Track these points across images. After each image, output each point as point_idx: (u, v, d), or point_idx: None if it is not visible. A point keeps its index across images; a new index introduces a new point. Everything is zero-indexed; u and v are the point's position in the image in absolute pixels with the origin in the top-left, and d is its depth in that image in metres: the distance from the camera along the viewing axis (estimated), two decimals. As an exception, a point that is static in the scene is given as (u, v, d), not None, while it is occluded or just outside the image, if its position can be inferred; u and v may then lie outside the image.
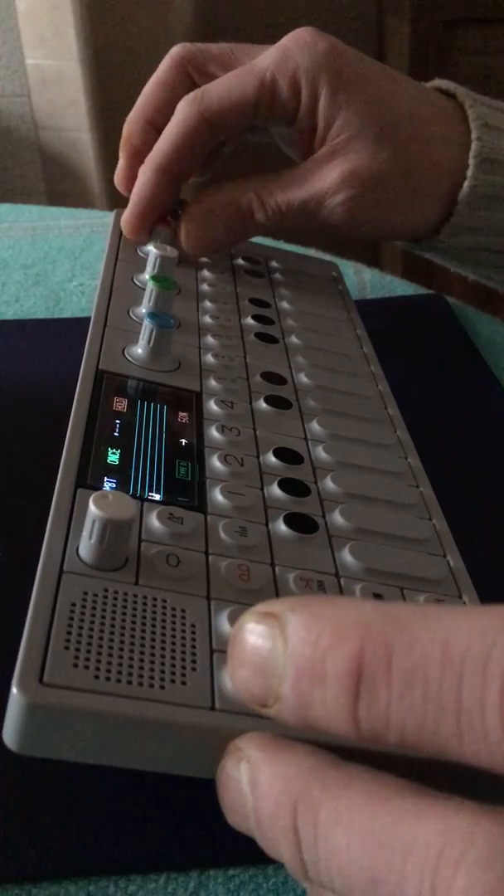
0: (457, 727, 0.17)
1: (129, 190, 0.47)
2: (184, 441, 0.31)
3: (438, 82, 0.47)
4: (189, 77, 0.47)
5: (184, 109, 0.44)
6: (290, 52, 0.44)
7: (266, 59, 0.44)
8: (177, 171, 0.45)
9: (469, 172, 0.43)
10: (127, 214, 0.45)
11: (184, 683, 0.22)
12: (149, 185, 0.45)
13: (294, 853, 0.18)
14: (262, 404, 0.35)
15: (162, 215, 0.45)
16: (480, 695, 0.16)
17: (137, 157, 0.46)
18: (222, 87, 0.44)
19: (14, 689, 0.21)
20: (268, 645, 0.19)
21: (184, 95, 0.45)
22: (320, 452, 0.33)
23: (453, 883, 0.16)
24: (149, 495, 0.28)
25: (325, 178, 0.43)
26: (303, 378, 0.38)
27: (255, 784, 0.19)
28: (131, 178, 0.47)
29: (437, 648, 0.17)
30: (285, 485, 0.30)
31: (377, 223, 0.45)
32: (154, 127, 0.46)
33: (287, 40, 0.45)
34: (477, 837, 0.16)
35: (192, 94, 0.44)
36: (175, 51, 0.47)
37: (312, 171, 0.44)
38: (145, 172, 0.45)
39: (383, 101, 0.44)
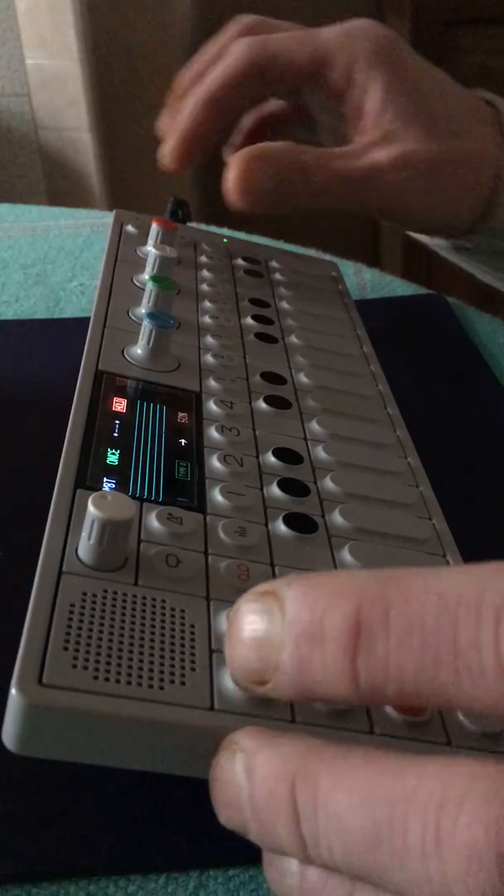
0: (454, 669, 0.17)
1: (182, 165, 0.46)
2: (183, 441, 0.31)
3: (481, 92, 0.49)
4: (260, 73, 0.46)
5: (239, 49, 0.45)
6: (354, 34, 0.45)
7: (329, 34, 0.45)
8: (224, 106, 0.45)
9: None
10: (170, 143, 0.45)
11: (183, 684, 0.22)
12: (195, 113, 0.44)
13: (292, 830, 0.18)
14: (262, 404, 0.35)
15: (205, 150, 0.45)
16: (476, 635, 0.17)
17: (198, 133, 0.46)
18: (281, 42, 0.45)
19: (13, 690, 0.21)
20: (265, 619, 0.19)
21: (254, 89, 0.46)
22: (320, 452, 0.33)
23: (457, 822, 0.16)
24: (148, 496, 0.28)
25: (380, 158, 0.43)
26: (302, 378, 0.38)
27: (251, 769, 0.19)
28: (189, 148, 0.46)
29: (433, 598, 0.17)
30: (285, 485, 0.30)
31: (422, 209, 0.45)
32: (219, 109, 0.46)
33: (352, 24, 0.46)
34: (478, 778, 0.16)
35: (249, 38, 0.45)
36: (242, 18, 0.47)
37: (366, 151, 0.44)
38: (191, 102, 0.45)
39: (434, 96, 0.45)
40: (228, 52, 0.45)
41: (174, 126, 0.45)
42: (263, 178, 0.42)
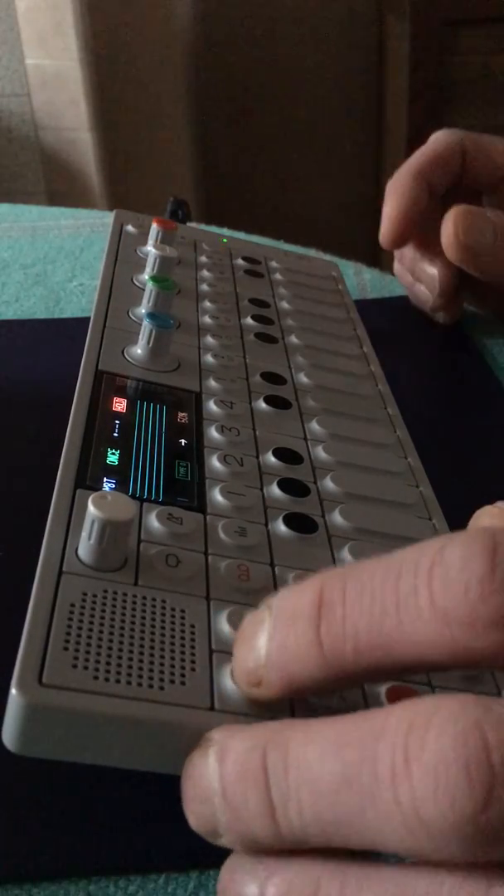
0: (396, 616, 0.19)
1: (401, 237, 0.46)
2: (183, 441, 0.31)
3: None
4: (464, 151, 0.47)
5: (449, 133, 0.47)
6: None
7: None
8: (433, 180, 0.45)
9: None
10: (387, 224, 0.45)
11: (183, 684, 0.22)
12: (406, 190, 0.45)
13: (262, 798, 0.19)
14: (262, 404, 0.35)
15: (419, 224, 0.45)
16: (413, 583, 0.19)
17: (411, 205, 0.46)
18: (492, 140, 0.47)
19: (13, 690, 0.21)
20: (258, 625, 0.21)
21: (459, 166, 0.47)
22: (320, 452, 0.33)
23: (425, 739, 0.17)
24: (148, 496, 0.28)
25: None
26: (302, 378, 0.38)
27: (222, 753, 0.20)
28: (408, 221, 0.46)
29: (382, 566, 0.20)
30: (285, 485, 0.30)
31: None
32: (429, 186, 0.46)
33: None
34: (443, 703, 0.17)
35: (460, 130, 0.46)
36: (445, 129, 0.48)
37: None
38: (401, 180, 0.45)
39: None
40: (434, 136, 0.46)
41: (388, 207, 0.46)
42: (484, 233, 0.42)
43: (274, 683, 0.20)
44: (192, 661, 0.23)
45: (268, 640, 0.20)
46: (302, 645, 0.20)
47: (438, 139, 0.47)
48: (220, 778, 0.19)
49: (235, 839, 0.20)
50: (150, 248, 0.42)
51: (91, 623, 0.23)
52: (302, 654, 0.20)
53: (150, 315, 0.35)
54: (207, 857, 0.24)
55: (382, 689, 0.24)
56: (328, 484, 0.31)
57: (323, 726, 0.19)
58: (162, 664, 0.22)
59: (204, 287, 0.43)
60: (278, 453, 0.32)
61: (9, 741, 0.21)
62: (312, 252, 0.56)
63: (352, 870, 0.18)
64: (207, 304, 0.42)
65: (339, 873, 0.18)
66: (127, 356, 0.35)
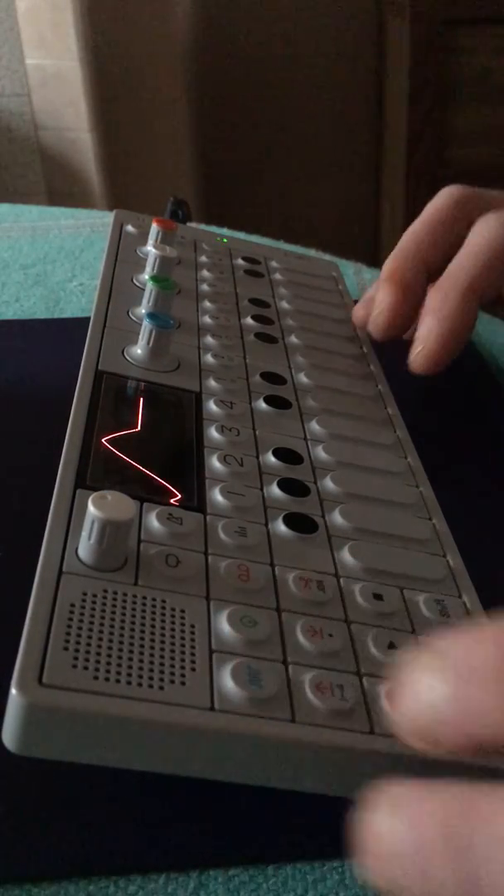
0: None
1: (396, 328, 0.41)
2: (183, 441, 0.31)
3: None
4: (470, 218, 0.41)
5: (451, 199, 0.40)
6: None
7: None
8: (486, 293, 0.38)
9: None
10: (432, 346, 0.38)
11: (183, 684, 0.22)
12: (457, 310, 0.37)
13: (453, 875, 0.18)
14: (262, 404, 0.35)
15: (462, 344, 0.39)
16: None
17: (409, 294, 0.40)
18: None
19: (13, 690, 0.21)
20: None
21: (463, 237, 0.40)
22: (320, 452, 0.33)
23: None
24: (148, 496, 0.28)
25: None
26: (302, 378, 0.38)
27: (413, 819, 0.19)
28: (403, 314, 0.40)
29: None
30: (285, 485, 0.30)
31: None
32: (427, 268, 0.41)
33: None
34: None
35: (499, 216, 0.39)
36: (454, 189, 0.42)
37: None
38: (451, 297, 0.38)
39: None
40: (477, 231, 0.38)
41: (433, 326, 0.38)
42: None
43: (456, 744, 0.19)
44: (192, 661, 0.23)
45: (445, 698, 0.19)
46: (489, 708, 0.18)
47: (441, 210, 0.41)
48: (410, 843, 0.18)
49: None
50: (150, 248, 0.42)
51: (91, 623, 0.23)
52: (489, 717, 0.18)
53: (150, 315, 0.35)
54: (207, 857, 0.24)
55: (383, 688, 0.24)
56: (328, 484, 0.31)
57: None
58: (162, 664, 0.22)
59: (204, 287, 0.43)
60: (278, 453, 0.32)
61: (9, 741, 0.21)
62: (312, 252, 0.56)
63: None
64: (207, 304, 0.42)
65: None
66: (127, 356, 0.35)
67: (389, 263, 0.40)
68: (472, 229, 0.39)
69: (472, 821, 0.18)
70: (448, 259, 0.40)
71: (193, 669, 0.23)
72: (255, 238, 0.56)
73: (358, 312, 0.44)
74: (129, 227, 0.47)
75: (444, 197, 0.42)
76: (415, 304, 0.40)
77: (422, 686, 0.19)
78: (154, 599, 0.24)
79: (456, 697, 0.19)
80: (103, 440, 0.30)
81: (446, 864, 0.18)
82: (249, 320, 0.41)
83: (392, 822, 0.19)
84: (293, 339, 0.41)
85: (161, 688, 0.22)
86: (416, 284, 0.40)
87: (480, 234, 0.38)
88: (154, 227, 0.44)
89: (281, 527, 0.28)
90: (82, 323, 0.37)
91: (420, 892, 0.19)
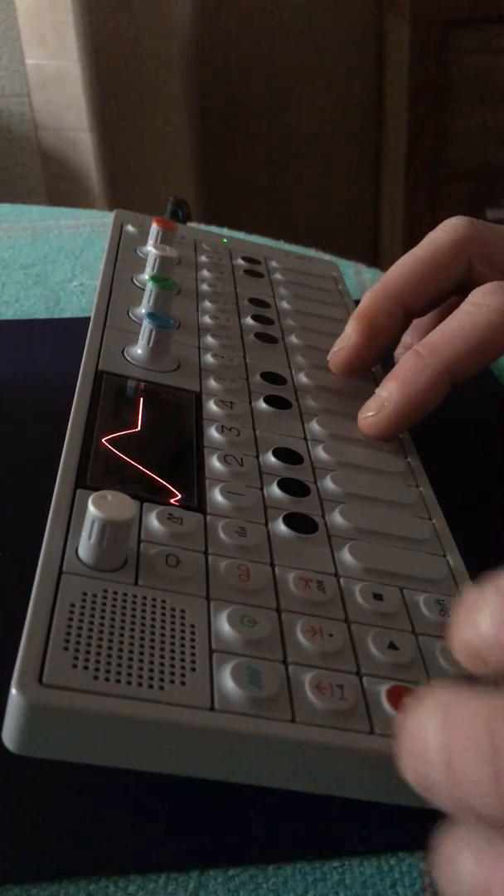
0: None
1: (355, 368, 0.38)
2: (183, 441, 0.31)
3: None
4: (468, 264, 0.38)
5: (451, 237, 0.38)
6: None
7: None
8: (461, 376, 0.35)
9: None
10: (387, 415, 0.35)
11: (183, 684, 0.22)
12: (427, 387, 0.34)
13: (489, 775, 0.18)
14: (262, 404, 0.35)
15: (419, 420, 0.36)
16: None
17: (378, 337, 0.38)
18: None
19: (13, 690, 0.21)
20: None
21: (455, 282, 0.38)
22: (320, 452, 0.33)
23: None
24: (148, 496, 0.28)
25: None
26: (302, 378, 0.38)
27: (449, 718, 0.19)
28: (365, 357, 0.38)
29: None
30: (285, 485, 0.30)
31: None
32: (406, 311, 0.38)
33: None
34: None
35: None
36: (458, 226, 0.39)
37: None
38: (426, 373, 0.34)
39: None
40: (475, 307, 0.35)
41: (389, 391, 0.35)
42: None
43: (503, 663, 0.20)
44: (193, 661, 0.23)
45: (493, 621, 0.20)
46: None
47: (439, 248, 0.38)
48: (445, 745, 0.19)
49: (452, 805, 0.19)
50: (151, 248, 0.42)
51: (91, 623, 0.23)
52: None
53: (151, 315, 0.35)
54: (207, 857, 0.24)
55: (383, 688, 0.24)
56: (328, 484, 0.31)
57: None
58: (162, 664, 0.22)
59: (204, 287, 0.43)
60: (278, 453, 0.32)
61: (9, 741, 0.21)
62: (312, 252, 0.56)
63: None
64: (207, 304, 0.42)
65: None
66: (127, 356, 0.35)
67: (366, 300, 0.38)
68: (472, 297, 0.35)
69: None
70: (431, 304, 0.39)
71: (193, 669, 0.23)
72: (255, 238, 0.56)
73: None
74: (130, 227, 0.47)
75: (447, 232, 0.39)
76: (381, 346, 0.38)
77: (473, 610, 0.21)
78: (154, 599, 0.24)
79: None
80: (103, 440, 0.30)
81: (484, 763, 0.18)
82: (249, 320, 0.41)
83: (428, 723, 0.19)
84: (293, 339, 0.41)
85: (161, 688, 0.22)
86: (387, 328, 0.38)
87: (477, 315, 0.35)
88: (154, 227, 0.44)
89: (281, 527, 0.28)
90: (82, 323, 0.37)
91: (453, 790, 0.19)
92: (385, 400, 0.35)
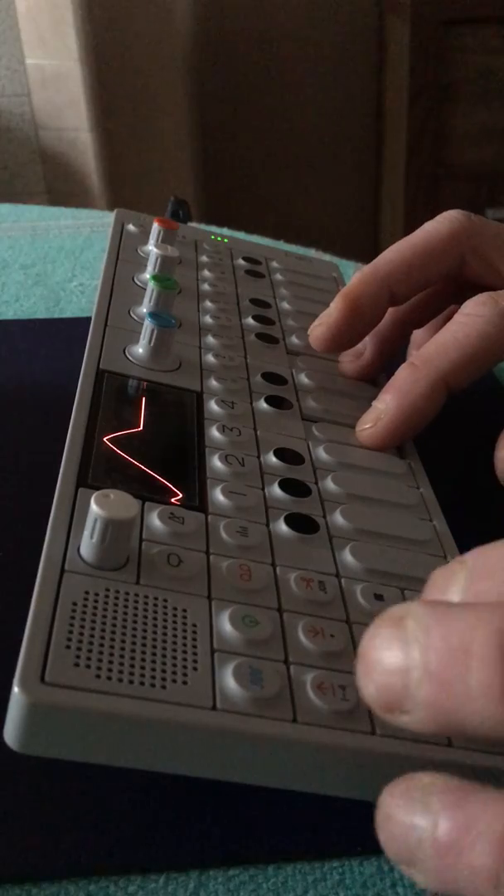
0: None
1: (332, 346, 0.38)
2: (184, 441, 0.31)
3: None
4: (460, 257, 0.39)
5: (445, 229, 0.38)
6: None
7: None
8: (456, 387, 0.35)
9: None
10: (384, 427, 0.34)
11: (185, 683, 0.22)
12: (423, 399, 0.34)
13: (490, 677, 0.18)
14: (263, 404, 0.35)
15: (416, 432, 0.36)
16: None
17: (359, 318, 0.38)
18: (497, 257, 0.38)
19: (15, 689, 0.21)
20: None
21: (447, 275, 0.38)
22: (321, 453, 0.33)
23: None
24: (150, 495, 0.28)
25: None
26: (303, 378, 0.38)
27: (430, 625, 0.19)
28: (344, 336, 0.38)
29: None
30: (286, 485, 0.30)
31: None
32: (392, 296, 0.38)
33: None
34: None
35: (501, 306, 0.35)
36: (456, 219, 0.39)
37: None
38: (421, 385, 0.34)
39: None
40: (470, 317, 0.35)
41: (386, 403, 0.35)
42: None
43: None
44: (194, 661, 0.23)
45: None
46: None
47: (434, 238, 0.38)
48: (425, 650, 0.18)
49: (431, 717, 0.19)
50: (152, 248, 0.42)
51: (93, 622, 0.23)
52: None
53: (152, 314, 0.35)
54: (207, 857, 0.24)
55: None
56: (329, 484, 0.31)
57: None
58: (164, 663, 0.22)
59: (205, 287, 0.43)
60: (279, 453, 0.32)
61: (10, 739, 0.21)
62: (313, 252, 0.56)
63: None
64: (208, 303, 0.42)
65: None
66: (128, 355, 0.35)
67: (354, 281, 0.38)
68: (465, 308, 0.35)
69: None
70: (417, 291, 0.39)
71: (195, 669, 0.23)
72: (255, 238, 0.56)
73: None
74: (131, 227, 0.47)
75: (443, 224, 0.39)
76: (361, 327, 0.38)
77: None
78: (156, 599, 0.24)
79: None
80: (105, 439, 0.30)
81: (481, 673, 0.18)
82: (250, 320, 0.41)
83: (398, 632, 0.19)
84: (294, 339, 0.41)
85: (163, 687, 0.22)
86: (370, 309, 0.38)
87: (470, 325, 0.35)
88: (155, 226, 0.44)
89: (282, 527, 0.28)
90: (82, 323, 0.37)
91: (439, 707, 0.18)
92: (381, 412, 0.35)
